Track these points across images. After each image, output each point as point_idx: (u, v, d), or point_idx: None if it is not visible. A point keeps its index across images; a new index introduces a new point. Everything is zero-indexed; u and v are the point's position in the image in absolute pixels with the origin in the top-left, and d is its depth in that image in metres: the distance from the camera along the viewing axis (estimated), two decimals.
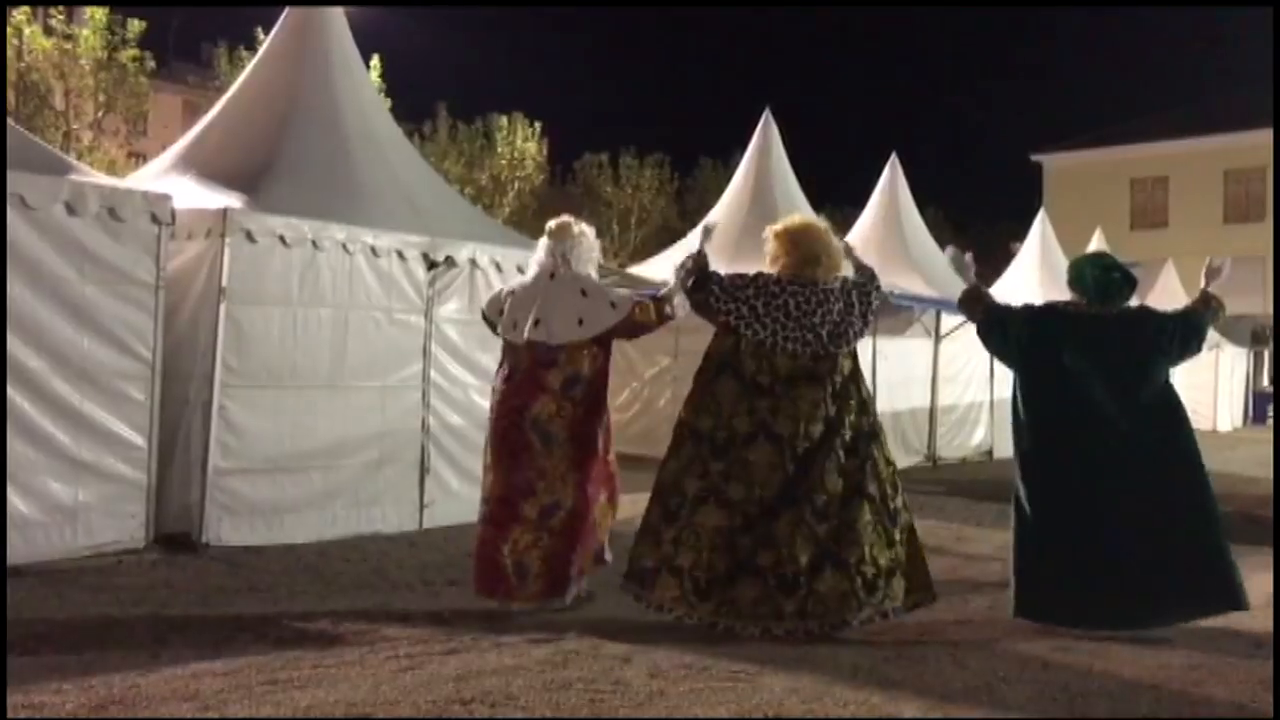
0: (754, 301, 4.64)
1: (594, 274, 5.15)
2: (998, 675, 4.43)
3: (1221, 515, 5.19)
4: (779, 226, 4.97)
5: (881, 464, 4.75)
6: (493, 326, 5.21)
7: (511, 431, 4.85)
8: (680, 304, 4.96)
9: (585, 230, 5.12)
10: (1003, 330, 5.23)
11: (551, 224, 5.13)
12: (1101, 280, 5.15)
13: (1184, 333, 5.17)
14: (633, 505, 9.43)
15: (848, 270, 5.00)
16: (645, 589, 4.74)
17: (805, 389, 4.57)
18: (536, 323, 4.78)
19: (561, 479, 4.88)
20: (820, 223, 5.08)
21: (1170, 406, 5.06)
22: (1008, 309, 5.47)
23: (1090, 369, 4.92)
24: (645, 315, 4.92)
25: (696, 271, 4.74)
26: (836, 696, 4.06)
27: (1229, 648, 5.13)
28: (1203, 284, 5.46)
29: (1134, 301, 5.57)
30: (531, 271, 5.09)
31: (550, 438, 4.84)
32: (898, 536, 4.76)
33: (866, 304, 4.79)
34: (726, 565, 4.58)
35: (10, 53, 18.72)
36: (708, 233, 5.12)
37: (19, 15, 19.47)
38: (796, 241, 4.78)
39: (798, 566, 4.50)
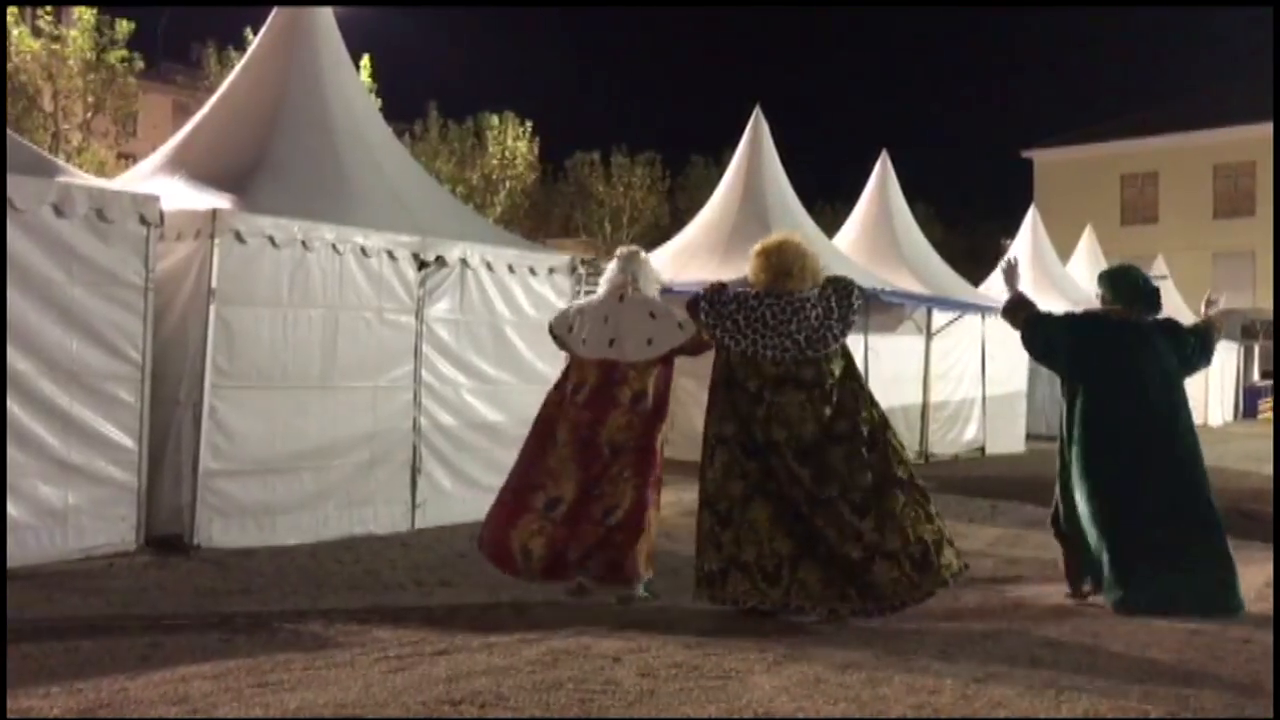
0: (736, 316, 4.94)
1: (657, 295, 5.50)
2: (987, 671, 4.44)
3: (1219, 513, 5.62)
4: (756, 246, 5.22)
5: (898, 447, 5.07)
6: (559, 341, 5.55)
7: (586, 443, 5.23)
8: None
9: (648, 257, 5.57)
10: (1046, 338, 5.65)
11: (621, 250, 5.57)
12: (1135, 291, 5.60)
13: (1203, 346, 5.66)
14: None
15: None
16: (715, 589, 5.01)
17: (792, 393, 4.86)
18: (610, 342, 5.17)
19: (623, 483, 5.24)
20: (794, 237, 5.29)
21: (1188, 408, 5.60)
22: (1049, 317, 5.80)
23: (1135, 369, 5.37)
24: (694, 338, 5.30)
25: (701, 294, 5.10)
26: (826, 694, 4.07)
27: (1218, 646, 5.15)
28: (1202, 313, 6.05)
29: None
30: (600, 292, 5.45)
31: (620, 448, 5.23)
32: (933, 510, 5.06)
33: (847, 305, 4.99)
34: (789, 550, 4.90)
35: None
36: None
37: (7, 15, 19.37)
38: (769, 258, 5.06)
39: (850, 561, 4.84)
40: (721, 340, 4.98)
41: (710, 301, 5.02)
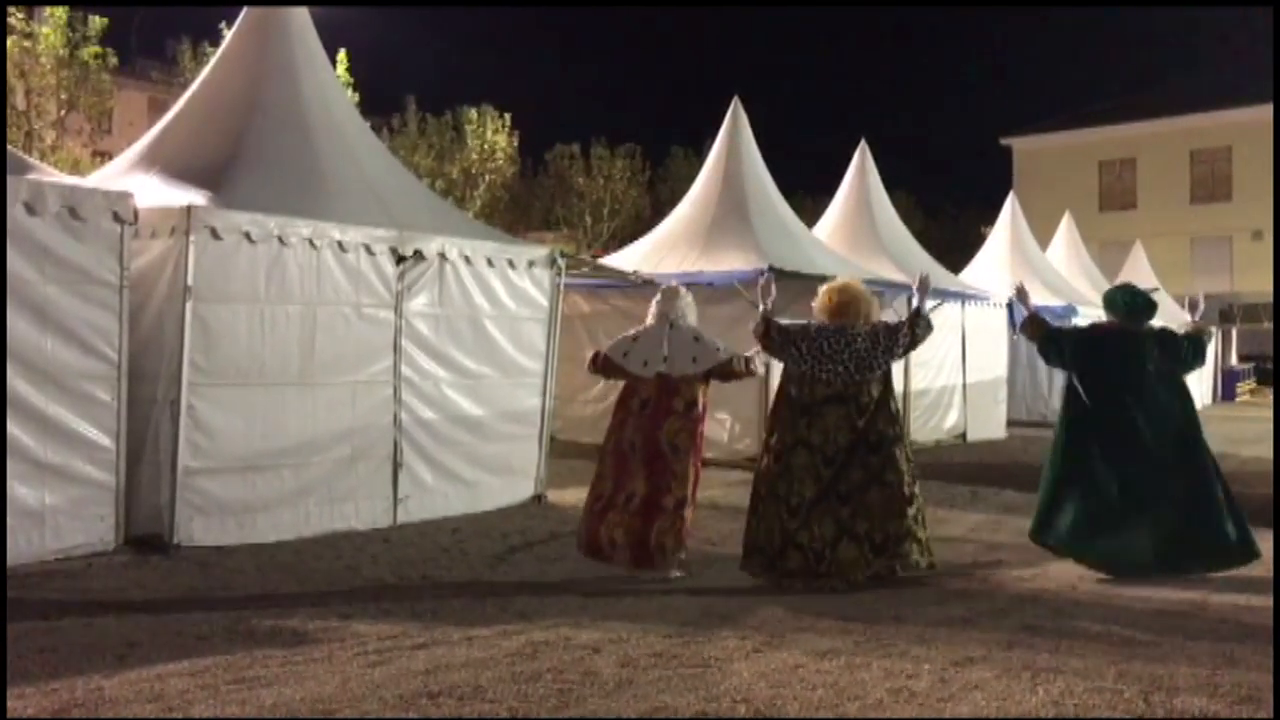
0: (800, 344, 6.03)
1: (695, 322, 6.58)
2: (965, 655, 4.48)
3: (1221, 482, 6.40)
4: (825, 286, 6.34)
5: (901, 461, 6.04)
6: (612, 366, 6.50)
7: (651, 445, 6.19)
8: (760, 363, 6.49)
9: (688, 293, 6.67)
10: (1058, 348, 6.60)
11: (665, 288, 6.66)
12: (1132, 305, 6.54)
13: (1196, 350, 6.49)
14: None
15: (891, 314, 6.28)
16: (770, 563, 6.01)
17: (834, 408, 5.94)
18: (664, 360, 6.24)
19: (685, 478, 6.19)
20: (854, 283, 6.40)
21: (1189, 397, 6.54)
22: (1060, 330, 6.94)
23: (1129, 370, 6.28)
24: (739, 365, 6.33)
25: (763, 325, 6.21)
26: (805, 680, 4.10)
27: (1193, 626, 5.21)
28: (1187, 318, 6.86)
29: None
30: (650, 322, 6.49)
31: (678, 449, 6.21)
32: (910, 511, 6.00)
33: (893, 340, 6.03)
34: (832, 534, 5.90)
35: None
36: (766, 288, 6.42)
37: None
38: (832, 297, 6.18)
39: (823, 542, 5.87)
40: (787, 362, 6.06)
41: (780, 330, 6.12)
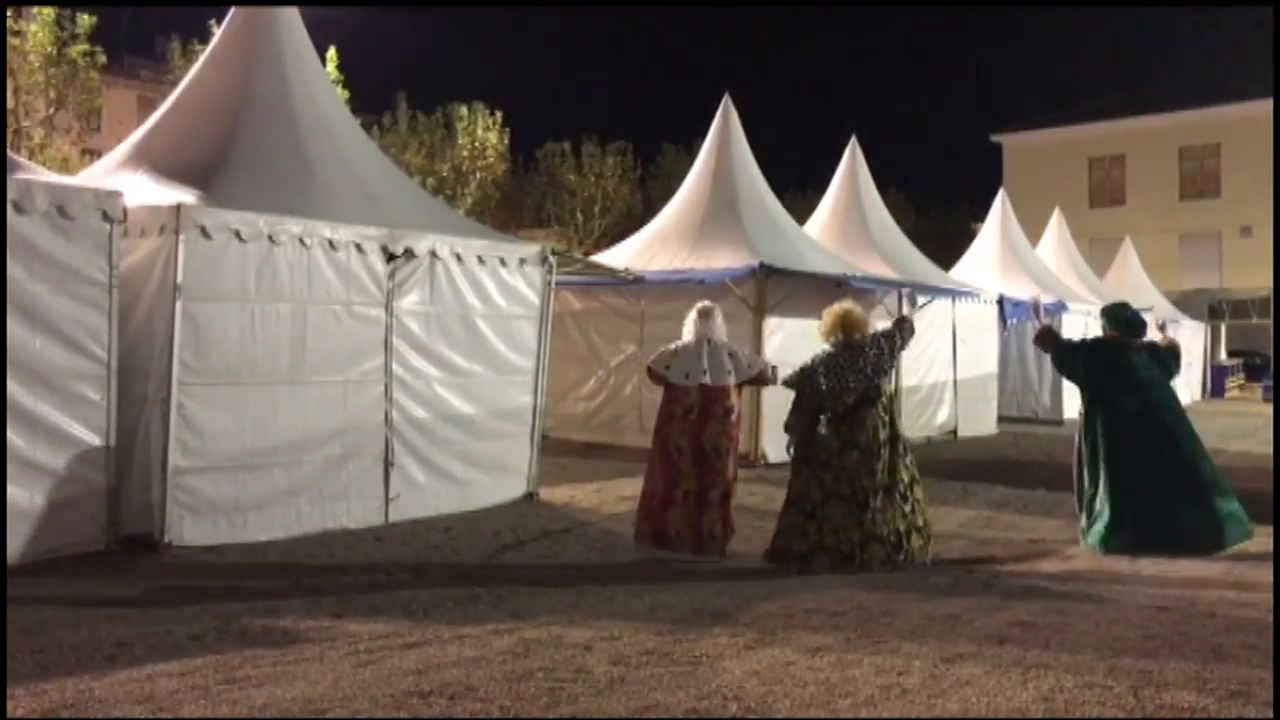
0: (817, 374, 6.83)
1: (727, 337, 7.37)
2: (956, 651, 4.49)
3: (1212, 470, 7.26)
4: (831, 309, 7.13)
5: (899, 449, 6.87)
6: (657, 376, 7.21)
7: (698, 446, 6.98)
8: (777, 374, 7.33)
9: (719, 312, 7.41)
10: (1071, 359, 7.53)
11: (700, 307, 7.32)
12: (1133, 321, 7.51)
13: (1175, 360, 7.51)
14: (598, 493, 9.47)
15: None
16: (802, 565, 6.62)
17: (866, 409, 6.76)
18: (704, 372, 7.01)
19: (726, 474, 6.99)
20: (855, 308, 7.18)
21: (1176, 399, 7.54)
22: (1071, 343, 7.93)
23: (1132, 376, 7.23)
24: (766, 375, 7.28)
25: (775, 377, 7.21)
26: (796, 677, 4.10)
27: (1183, 622, 5.23)
28: (1163, 337, 7.76)
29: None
30: (687, 338, 7.20)
31: (719, 449, 7.00)
32: (908, 508, 6.79)
33: (892, 342, 6.90)
34: (858, 537, 6.59)
35: None
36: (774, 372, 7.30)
37: None
38: (840, 321, 6.98)
39: (902, 527, 6.61)
40: (815, 383, 6.81)
41: (803, 372, 6.93)
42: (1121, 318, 7.52)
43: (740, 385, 7.17)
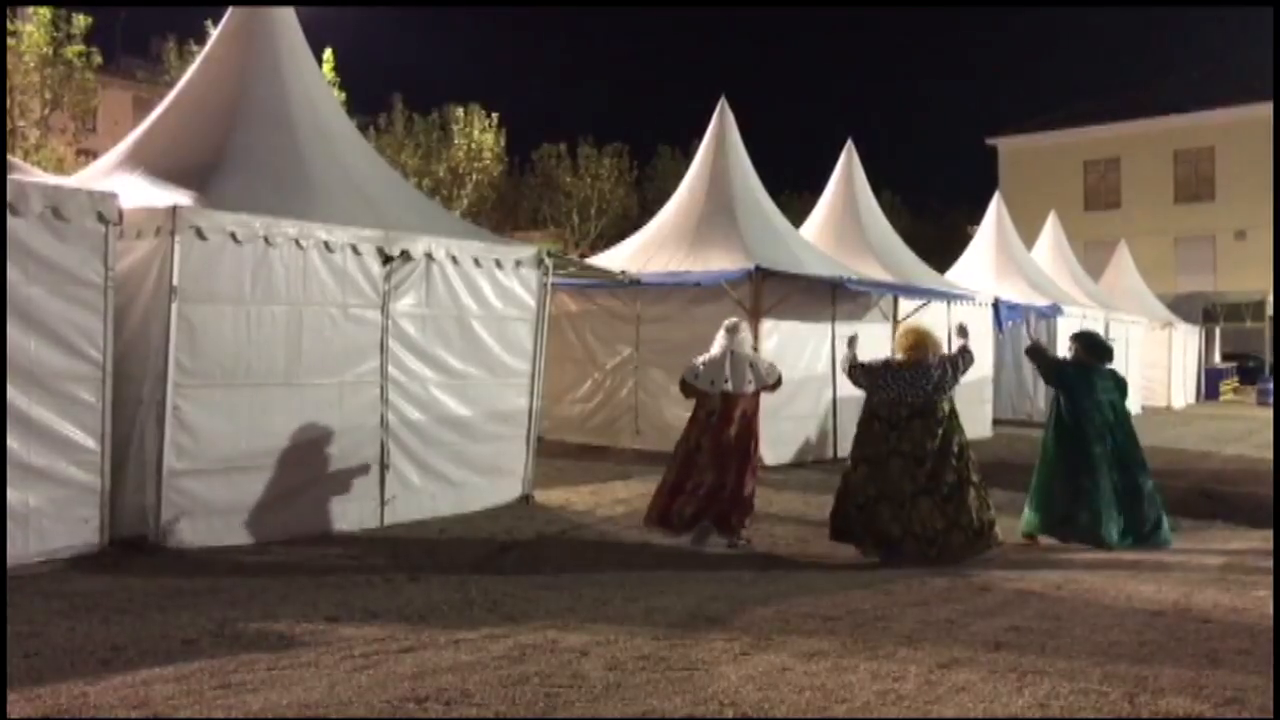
0: (886, 375, 7.51)
1: (751, 351, 8.30)
2: (952, 656, 4.49)
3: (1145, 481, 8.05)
4: (912, 327, 8.12)
5: (974, 463, 7.54)
6: (689, 386, 7.98)
7: (718, 446, 7.79)
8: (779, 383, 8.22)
9: (746, 327, 8.33)
10: (1057, 374, 8.34)
11: (727, 323, 8.13)
12: (1104, 349, 8.50)
13: (1127, 386, 8.63)
14: (594, 496, 9.46)
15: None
16: (856, 544, 7.46)
17: (919, 422, 7.39)
18: (727, 380, 7.83)
19: (744, 470, 7.82)
20: (923, 326, 8.30)
21: (1129, 417, 8.43)
22: (1056, 359, 8.82)
23: (1101, 393, 8.11)
24: (778, 384, 8.17)
25: (849, 362, 7.75)
26: (792, 683, 4.10)
27: (1178, 627, 5.24)
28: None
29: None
30: (715, 351, 7.99)
31: (738, 449, 7.81)
32: (989, 502, 7.48)
33: (956, 367, 7.56)
34: (898, 531, 7.27)
35: None
36: (852, 341, 7.92)
37: None
38: (908, 337, 7.75)
39: (935, 530, 7.23)
40: (874, 391, 7.52)
41: (863, 369, 7.63)
42: (1092, 343, 8.53)
43: (759, 392, 8.00)
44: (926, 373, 7.45)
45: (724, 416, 7.81)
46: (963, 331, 8.07)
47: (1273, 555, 6.77)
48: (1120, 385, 8.43)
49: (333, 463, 7.65)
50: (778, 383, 8.12)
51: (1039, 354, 8.65)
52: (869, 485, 7.39)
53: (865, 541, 7.41)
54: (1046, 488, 8.03)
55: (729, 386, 7.83)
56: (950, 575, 6.60)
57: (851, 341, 8.01)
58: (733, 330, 8.08)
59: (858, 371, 7.67)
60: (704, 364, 8.03)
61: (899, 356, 7.75)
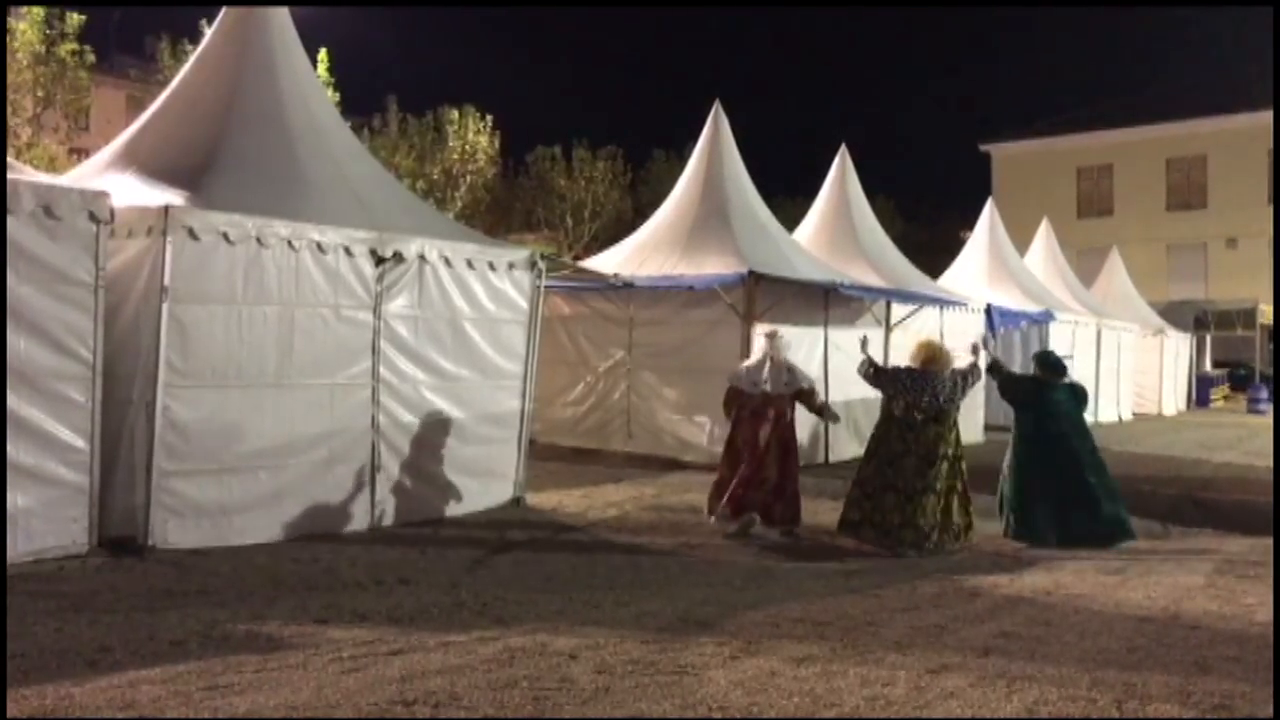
0: (905, 381, 8.19)
1: (789, 358, 8.92)
2: (941, 662, 4.49)
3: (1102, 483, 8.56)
4: (925, 341, 8.73)
5: (963, 464, 8.36)
6: (735, 390, 8.73)
7: (758, 443, 8.54)
8: (817, 394, 9.16)
9: (785, 334, 9.07)
10: (1013, 389, 8.93)
11: (766, 331, 9.04)
12: (1058, 365, 9.00)
13: (1085, 397, 9.10)
14: (585, 499, 9.44)
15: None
16: (856, 535, 8.16)
17: (932, 427, 8.11)
18: (766, 383, 8.61)
19: (775, 466, 8.55)
20: (937, 341, 9.05)
21: (1085, 425, 9.04)
22: (1014, 375, 9.47)
23: (1058, 407, 8.70)
24: (811, 392, 8.91)
25: (868, 364, 8.42)
26: (781, 688, 4.10)
27: (1166, 633, 5.25)
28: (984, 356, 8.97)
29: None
30: (756, 357, 8.89)
31: (774, 445, 8.57)
32: (970, 506, 8.32)
33: (966, 381, 8.31)
34: (899, 520, 7.96)
35: None
36: (864, 343, 8.71)
37: None
38: (923, 351, 8.39)
39: (929, 525, 7.98)
40: (892, 395, 8.23)
41: (881, 371, 8.45)
42: (1047, 361, 9.20)
43: (794, 398, 8.73)
44: (940, 382, 8.18)
45: (760, 415, 8.57)
46: (976, 349, 8.72)
47: (1273, 557, 6.78)
48: (1078, 395, 9.01)
49: (323, 464, 7.63)
50: (812, 391, 8.88)
51: (999, 369, 9.24)
52: (879, 477, 8.08)
53: (865, 529, 8.05)
54: (1018, 493, 8.56)
55: (768, 387, 8.63)
56: (940, 581, 6.61)
57: (864, 344, 8.72)
58: (772, 337, 8.93)
59: (880, 375, 8.39)
60: (746, 368, 8.91)
61: (915, 364, 8.37)
